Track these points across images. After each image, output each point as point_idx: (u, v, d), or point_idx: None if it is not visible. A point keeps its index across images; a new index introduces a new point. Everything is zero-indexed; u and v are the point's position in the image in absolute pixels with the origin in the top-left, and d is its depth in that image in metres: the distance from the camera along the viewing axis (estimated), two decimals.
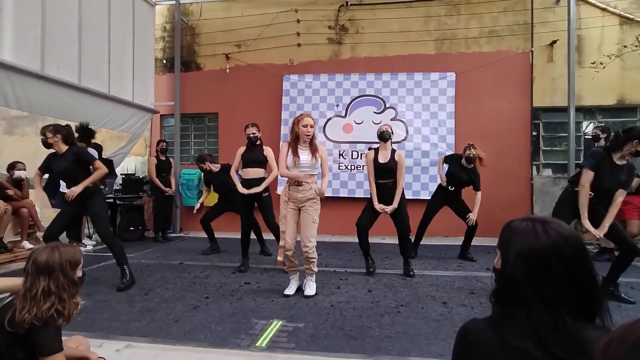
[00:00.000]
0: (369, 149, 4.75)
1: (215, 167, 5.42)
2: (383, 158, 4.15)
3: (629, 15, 6.40)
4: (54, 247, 1.65)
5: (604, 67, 5.99)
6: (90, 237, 6.24)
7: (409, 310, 3.16)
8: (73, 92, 5.17)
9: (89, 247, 5.76)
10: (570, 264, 0.90)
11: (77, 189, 3.58)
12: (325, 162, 3.54)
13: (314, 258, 3.50)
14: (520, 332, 0.89)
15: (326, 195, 3.68)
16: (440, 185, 5.01)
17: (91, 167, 3.74)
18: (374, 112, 6.95)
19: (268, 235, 4.88)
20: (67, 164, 3.64)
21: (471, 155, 4.62)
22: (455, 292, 3.62)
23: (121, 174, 6.86)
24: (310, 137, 3.46)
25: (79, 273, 1.69)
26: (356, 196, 6.79)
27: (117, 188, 6.66)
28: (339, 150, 7.01)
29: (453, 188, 4.82)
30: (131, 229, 6.38)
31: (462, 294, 3.58)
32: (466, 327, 1.02)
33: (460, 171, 4.73)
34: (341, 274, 4.28)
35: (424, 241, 5.22)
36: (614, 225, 3.28)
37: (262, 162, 4.50)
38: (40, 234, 5.65)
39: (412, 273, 4.18)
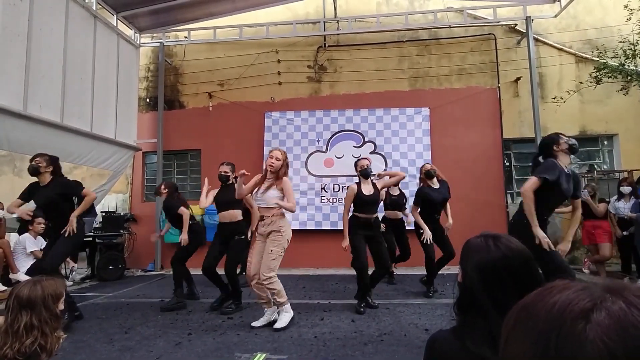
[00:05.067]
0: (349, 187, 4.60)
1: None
2: (367, 191, 4.10)
3: (583, 55, 6.99)
4: (36, 281, 1.66)
5: (564, 102, 6.44)
6: (67, 277, 6.05)
7: (391, 338, 3.18)
8: (55, 130, 5.21)
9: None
10: (517, 273, 1.02)
11: (73, 223, 3.58)
12: (287, 193, 3.51)
13: (275, 289, 3.47)
14: (479, 339, 0.99)
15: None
16: None
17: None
18: (354, 147, 7.19)
19: None
20: (52, 195, 3.61)
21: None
22: (437, 319, 3.67)
23: (101, 212, 6.78)
24: (273, 168, 3.54)
25: (61, 306, 1.69)
26: (339, 228, 6.85)
27: (97, 226, 6.56)
28: (321, 184, 7.14)
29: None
30: (110, 267, 6.24)
31: (444, 320, 3.62)
32: (433, 337, 1.11)
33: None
34: (325, 305, 4.28)
35: (407, 271, 5.29)
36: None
37: (237, 203, 4.21)
38: (13, 276, 5.45)
39: (361, 309, 3.96)
